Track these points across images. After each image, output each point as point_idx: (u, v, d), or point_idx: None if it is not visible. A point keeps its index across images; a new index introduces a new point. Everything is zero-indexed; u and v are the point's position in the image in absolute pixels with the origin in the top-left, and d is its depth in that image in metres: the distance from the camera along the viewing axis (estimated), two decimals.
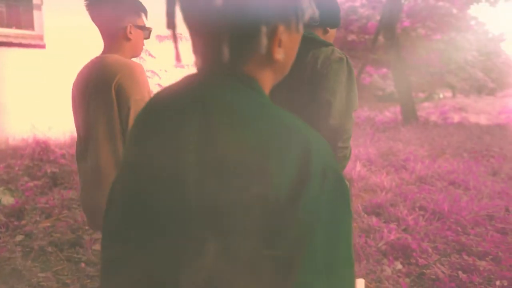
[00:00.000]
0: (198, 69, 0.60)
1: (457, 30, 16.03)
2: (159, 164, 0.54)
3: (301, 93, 1.55)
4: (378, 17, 12.01)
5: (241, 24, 0.52)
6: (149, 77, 4.30)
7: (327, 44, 1.56)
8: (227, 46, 0.53)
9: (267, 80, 0.59)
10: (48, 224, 3.13)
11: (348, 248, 0.49)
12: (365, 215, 3.13)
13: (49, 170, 4.29)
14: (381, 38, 9.06)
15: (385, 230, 2.77)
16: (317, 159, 0.48)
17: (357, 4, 15.40)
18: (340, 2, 9.36)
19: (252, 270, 0.47)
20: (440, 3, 14.24)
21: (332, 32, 1.68)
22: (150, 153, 0.56)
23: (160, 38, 4.36)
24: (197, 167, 0.50)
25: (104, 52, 1.48)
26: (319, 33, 1.62)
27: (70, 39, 6.43)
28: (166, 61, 4.76)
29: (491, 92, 29.73)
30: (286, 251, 0.46)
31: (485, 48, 26.67)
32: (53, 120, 6.16)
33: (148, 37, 1.55)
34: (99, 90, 1.37)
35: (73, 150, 5.16)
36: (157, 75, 4.15)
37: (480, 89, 28.09)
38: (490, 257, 2.52)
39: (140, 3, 1.49)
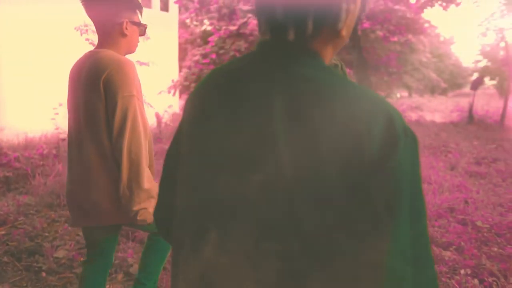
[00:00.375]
0: (261, 47, 0.65)
1: (413, 33, 16.81)
2: (248, 131, 0.58)
3: None
4: None
5: (326, 2, 0.58)
6: None
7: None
8: (306, 23, 0.58)
9: (329, 55, 0.64)
10: (3, 232, 2.91)
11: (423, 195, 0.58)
12: None
13: (1, 174, 4.00)
14: None
15: None
16: (398, 122, 0.55)
17: None
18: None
19: (349, 224, 0.53)
20: (397, 7, 14.88)
21: None
22: (234, 121, 0.61)
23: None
24: (288, 133, 0.55)
25: (98, 46, 1.49)
26: None
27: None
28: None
29: (443, 92, 31.47)
30: (382, 202, 0.52)
31: (437, 50, 28.25)
32: (5, 121, 5.76)
33: (143, 34, 1.56)
34: (89, 83, 1.37)
35: (28, 153, 4.84)
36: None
37: (434, 89, 29.64)
38: (454, 247, 2.64)
39: (136, 0, 1.52)
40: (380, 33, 15.06)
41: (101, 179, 1.41)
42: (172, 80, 10.13)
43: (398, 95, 28.00)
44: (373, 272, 0.52)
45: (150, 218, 1.42)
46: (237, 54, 9.92)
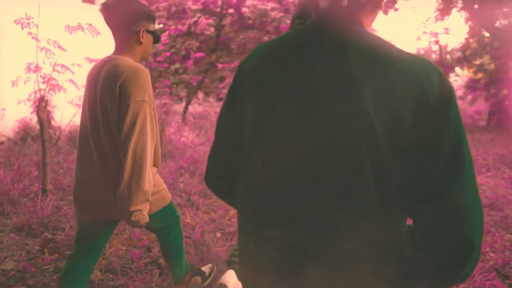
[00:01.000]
0: (311, 21, 0.77)
1: None
2: (330, 83, 0.68)
3: None
4: (288, 21, 12.58)
5: None
6: (59, 72, 3.85)
7: None
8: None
9: (368, 25, 0.76)
10: None
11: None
12: None
13: None
14: None
15: None
16: (446, 76, 0.68)
17: (268, 7, 15.99)
18: (251, 4, 9.52)
19: (379, 169, 0.64)
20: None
21: None
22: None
23: (70, 29, 3.90)
24: (369, 87, 0.65)
25: (115, 53, 1.62)
26: None
27: None
28: (78, 55, 4.30)
29: None
30: (442, 159, 0.63)
31: None
32: None
33: (157, 42, 1.69)
34: (107, 87, 1.49)
35: None
36: (69, 69, 3.72)
37: None
38: None
39: (151, 10, 1.67)
40: None
41: (112, 174, 1.50)
42: None
43: None
44: (464, 205, 0.63)
45: (144, 220, 1.48)
46: (192, 53, 9.75)
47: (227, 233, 2.87)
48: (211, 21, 13.13)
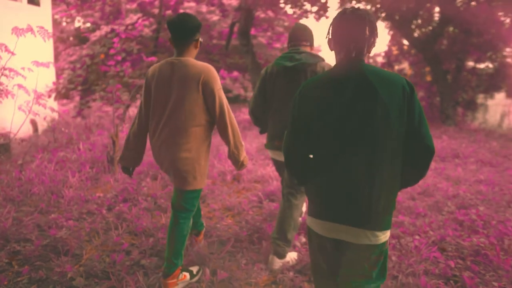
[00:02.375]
0: (340, 62, 1.49)
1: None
2: (337, 102, 1.43)
3: None
4: (224, 24, 12.80)
5: (368, 32, 1.43)
6: (7, 76, 3.63)
7: (322, 59, 2.53)
8: (361, 46, 1.44)
9: (366, 58, 1.48)
10: None
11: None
12: (265, 202, 3.49)
13: None
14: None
15: None
16: (406, 79, 1.42)
17: (204, 10, 16.07)
18: (188, 6, 9.59)
19: (387, 135, 1.38)
20: (277, 16, 16.25)
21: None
22: (329, 98, 1.45)
23: (18, 31, 3.71)
24: (368, 98, 1.39)
25: (178, 55, 2.15)
26: (308, 49, 2.61)
27: None
28: (26, 58, 4.08)
29: None
30: (414, 113, 1.40)
31: None
32: None
33: (199, 47, 2.22)
34: (186, 82, 2.08)
35: None
36: (21, 75, 3.53)
37: None
38: None
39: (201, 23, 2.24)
40: (262, 40, 16.22)
41: (191, 145, 2.13)
42: (54, 83, 9.08)
43: None
44: (426, 130, 1.40)
45: (246, 162, 2.29)
46: (144, 55, 9.42)
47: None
48: (147, 22, 12.85)
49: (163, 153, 2.16)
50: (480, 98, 13.91)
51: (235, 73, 17.81)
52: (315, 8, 11.60)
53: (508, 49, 11.94)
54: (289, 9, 12.49)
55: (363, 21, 1.42)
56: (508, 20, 10.56)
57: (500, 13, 10.45)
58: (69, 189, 3.89)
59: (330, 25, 1.48)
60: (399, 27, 11.00)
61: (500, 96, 14.01)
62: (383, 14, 10.75)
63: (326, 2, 11.48)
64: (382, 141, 1.38)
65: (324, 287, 1.60)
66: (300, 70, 2.46)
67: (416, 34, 11.60)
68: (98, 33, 15.98)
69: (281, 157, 2.55)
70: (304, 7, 11.63)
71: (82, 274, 2.40)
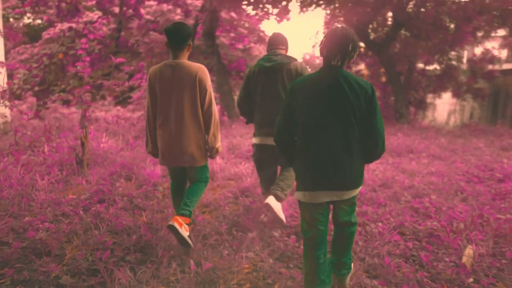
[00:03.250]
0: (324, 67, 2.00)
1: (253, 41, 18.79)
2: (316, 98, 1.97)
3: (288, 84, 2.94)
4: (187, 23, 12.78)
5: (351, 47, 1.96)
6: None
7: (294, 59, 3.05)
8: (344, 57, 1.96)
9: (345, 66, 2.01)
10: None
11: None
12: (240, 198, 3.67)
13: None
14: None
15: (259, 207, 3.38)
16: (371, 85, 1.98)
17: (164, 8, 15.89)
18: (149, 5, 9.53)
19: (354, 127, 1.94)
20: (240, 17, 16.44)
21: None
22: (312, 93, 1.98)
23: None
24: (349, 93, 1.92)
25: (175, 58, 2.62)
26: (284, 52, 3.14)
27: None
28: None
29: None
30: (372, 110, 1.95)
31: None
32: None
33: (190, 50, 2.69)
34: (186, 81, 2.57)
35: None
36: None
37: None
38: None
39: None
40: (225, 40, 16.35)
41: (195, 133, 2.65)
42: (8, 83, 8.63)
43: None
44: (379, 128, 1.97)
45: (220, 150, 2.76)
46: (106, 55, 9.19)
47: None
48: (105, 21, 12.54)
49: (173, 142, 2.63)
50: (429, 98, 14.96)
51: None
52: (276, 10, 11.93)
53: (453, 53, 12.97)
54: (251, 11, 12.73)
55: (348, 39, 1.93)
56: (452, 26, 11.50)
57: (446, 19, 11.35)
58: (40, 192, 3.84)
59: (324, 37, 2.01)
60: (357, 30, 11.59)
61: (447, 96, 15.16)
62: (341, 18, 11.28)
63: (287, 5, 11.84)
64: (349, 128, 1.92)
65: (312, 256, 2.05)
66: (277, 69, 2.98)
67: (372, 37, 12.27)
68: (51, 31, 15.31)
69: (267, 142, 3.01)
70: (265, 9, 11.91)
71: (67, 273, 2.45)
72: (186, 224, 2.55)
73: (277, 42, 3.12)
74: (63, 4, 13.01)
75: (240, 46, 17.43)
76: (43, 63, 9.00)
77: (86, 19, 14.43)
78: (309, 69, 3.14)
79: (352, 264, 2.32)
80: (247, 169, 4.62)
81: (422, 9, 11.00)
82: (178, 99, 2.58)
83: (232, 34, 16.83)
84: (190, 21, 12.74)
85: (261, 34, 21.41)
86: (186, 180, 2.89)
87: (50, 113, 11.82)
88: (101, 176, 4.32)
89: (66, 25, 13.17)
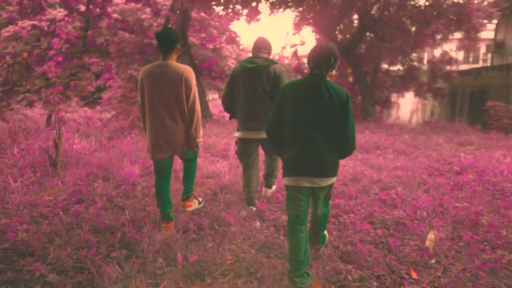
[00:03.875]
0: (310, 74, 2.39)
1: (223, 42, 18.86)
2: (301, 100, 2.33)
3: (269, 84, 3.34)
4: (154, 23, 12.68)
5: (333, 60, 2.35)
6: None
7: (275, 61, 3.39)
8: (327, 67, 2.35)
9: (327, 75, 2.41)
10: None
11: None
12: (220, 194, 3.79)
13: None
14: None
15: (239, 203, 3.53)
16: (346, 93, 2.34)
17: (132, 7, 15.64)
18: (115, 2, 9.42)
19: (330, 125, 2.31)
20: (208, 17, 16.47)
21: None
22: (298, 96, 2.35)
23: None
24: (327, 98, 2.29)
25: (164, 60, 2.91)
26: (266, 55, 3.48)
27: None
28: None
29: None
30: (345, 114, 2.29)
31: (239, 57, 32.40)
32: None
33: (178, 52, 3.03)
34: (173, 80, 2.85)
35: None
36: None
37: None
38: None
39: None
40: (195, 40, 16.32)
41: (182, 127, 2.97)
42: None
43: (210, 97, 30.61)
44: (350, 129, 2.32)
45: (200, 145, 3.11)
46: (85, 56, 8.94)
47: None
48: (70, 19, 12.19)
49: (165, 133, 2.93)
50: (393, 97, 15.67)
51: None
52: (245, 11, 12.08)
53: (414, 54, 13.67)
54: (220, 11, 12.81)
55: (331, 53, 2.33)
56: (414, 29, 12.13)
57: (407, 22, 11.96)
58: (14, 194, 3.78)
59: (311, 50, 2.39)
60: (325, 33, 11.97)
61: (409, 95, 15.94)
62: (311, 20, 11.60)
63: (256, 6, 12.03)
64: (326, 126, 2.29)
65: (294, 229, 2.38)
66: (258, 70, 3.32)
67: (339, 39, 12.69)
68: (11, 28, 14.65)
69: (250, 136, 3.42)
70: (236, 10, 12.03)
71: (52, 271, 2.48)
72: (191, 200, 3.34)
73: (260, 46, 3.47)
74: (26, 1, 12.53)
75: (211, 46, 17.46)
76: (6, 63, 8.66)
77: (49, 17, 13.94)
78: (282, 69, 3.38)
79: (325, 248, 2.63)
80: (224, 167, 4.74)
81: (386, 13, 11.53)
82: (166, 96, 2.88)
83: (203, 34, 16.83)
84: (160, 21, 12.65)
85: (232, 34, 21.51)
86: (170, 176, 3.16)
87: (12, 114, 11.37)
88: (77, 177, 4.30)
89: (27, 23, 12.68)
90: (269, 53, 3.53)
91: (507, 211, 3.62)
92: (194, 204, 3.36)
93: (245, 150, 3.49)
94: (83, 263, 2.58)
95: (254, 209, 3.45)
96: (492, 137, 8.63)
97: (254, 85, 3.33)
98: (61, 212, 3.39)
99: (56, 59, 4.79)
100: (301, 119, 2.32)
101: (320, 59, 2.33)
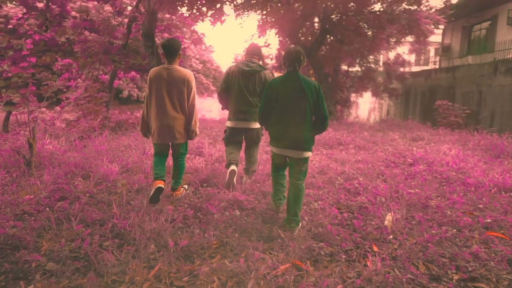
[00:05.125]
0: (288, 72, 3.26)
1: (188, 42, 18.90)
2: (284, 92, 3.20)
3: (259, 86, 4.16)
4: (114, 21, 12.56)
5: (302, 57, 3.21)
6: None
7: (266, 68, 4.21)
8: (299, 64, 3.21)
9: (300, 70, 3.32)
10: None
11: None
12: (200, 188, 4.05)
13: None
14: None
15: (221, 193, 3.82)
16: (317, 83, 3.20)
17: (90, 5, 15.31)
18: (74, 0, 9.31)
19: (308, 109, 3.14)
20: (173, 17, 16.48)
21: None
22: (281, 89, 3.21)
23: None
24: (305, 89, 3.14)
25: (170, 63, 3.64)
26: (257, 61, 4.07)
27: None
28: None
29: (212, 94, 36.17)
30: (319, 99, 3.15)
31: (202, 57, 32.35)
32: None
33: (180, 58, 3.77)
34: (177, 81, 3.60)
35: None
36: None
37: (204, 91, 33.59)
38: None
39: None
40: (158, 41, 16.28)
41: (183, 119, 3.69)
42: None
43: None
44: (325, 111, 3.16)
45: (197, 133, 3.84)
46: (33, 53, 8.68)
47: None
48: (26, 16, 11.79)
49: (168, 124, 3.62)
50: (352, 97, 16.52)
51: (132, 73, 17.41)
52: (210, 12, 12.28)
53: (371, 57, 14.55)
54: (185, 11, 12.90)
55: (299, 53, 3.17)
56: (370, 33, 12.95)
57: (364, 27, 12.74)
58: None
59: (284, 53, 3.21)
60: (289, 35, 12.46)
61: (367, 95, 16.89)
62: (275, 24, 12.02)
63: (221, 8, 12.27)
64: (304, 109, 3.09)
65: (276, 175, 3.51)
66: (252, 74, 4.18)
67: (302, 41, 13.24)
68: None
69: (239, 125, 4.26)
70: (200, 10, 12.19)
71: (49, 261, 2.64)
72: (180, 189, 3.94)
73: (253, 53, 4.30)
74: None
75: None
76: None
77: (1, 13, 13.34)
78: (271, 75, 4.22)
79: (300, 224, 3.27)
80: (201, 164, 4.99)
81: (344, 17, 12.23)
82: (171, 93, 3.60)
83: (166, 35, 16.81)
84: (123, 20, 12.52)
85: (196, 35, 21.52)
86: (167, 155, 3.88)
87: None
88: (55, 176, 4.37)
89: None
90: (260, 58, 4.32)
91: (451, 195, 4.19)
92: (182, 192, 3.95)
93: (233, 136, 4.33)
94: (77, 252, 2.76)
95: (235, 168, 4.10)
96: (440, 133, 9.50)
97: (247, 85, 4.16)
98: (47, 209, 3.50)
99: (30, 59, 4.75)
100: (285, 106, 3.13)
101: (293, 59, 3.14)
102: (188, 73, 3.63)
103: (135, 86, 26.05)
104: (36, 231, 3.10)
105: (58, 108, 13.21)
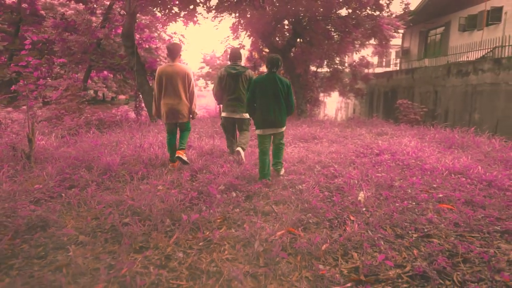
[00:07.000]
0: (268, 72, 4.66)
1: (161, 42, 19.08)
2: (265, 87, 4.58)
3: (246, 83, 5.52)
4: (90, 21, 12.66)
5: (280, 62, 4.66)
6: None
7: (248, 68, 5.62)
8: (277, 67, 4.64)
9: (278, 71, 4.81)
10: None
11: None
12: (199, 175, 4.54)
13: None
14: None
15: (218, 178, 4.33)
16: (289, 81, 4.66)
17: (55, 2, 15.23)
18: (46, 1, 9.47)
19: (282, 99, 4.63)
20: (147, 18, 16.65)
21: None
22: (264, 84, 4.60)
23: None
24: (279, 85, 4.59)
25: (173, 61, 5.06)
26: (241, 63, 5.64)
27: None
28: None
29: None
30: (289, 93, 4.64)
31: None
32: None
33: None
34: (181, 75, 5.01)
35: None
36: None
37: None
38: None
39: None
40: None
41: (186, 103, 5.11)
42: None
43: None
44: (292, 101, 4.69)
45: (197, 113, 5.36)
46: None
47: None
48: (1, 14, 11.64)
49: (174, 108, 4.95)
50: (321, 96, 17.43)
51: (105, 73, 17.38)
52: (183, 13, 12.62)
53: (338, 58, 15.48)
54: (158, 12, 13.16)
55: (278, 59, 4.57)
56: (337, 36, 13.84)
57: (332, 30, 13.60)
58: (2, 185, 4.10)
59: (266, 59, 4.57)
60: (262, 38, 13.07)
61: (335, 95, 17.86)
62: (248, 26, 12.58)
63: (194, 9, 12.66)
64: (280, 100, 4.53)
65: (263, 148, 4.69)
66: (239, 75, 5.45)
67: (275, 44, 13.90)
68: None
69: (232, 116, 5.54)
70: (173, 11, 12.50)
71: (80, 234, 3.06)
72: (183, 153, 4.99)
73: (236, 57, 5.58)
74: None
75: (146, 46, 17.61)
76: None
77: None
78: (252, 73, 5.15)
79: (283, 169, 4.85)
80: (193, 155, 5.48)
81: (313, 22, 13.02)
82: (175, 84, 4.92)
83: (137, 35, 16.95)
84: (97, 20, 12.62)
85: (168, 36, 21.67)
86: (176, 133, 5.19)
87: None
88: (60, 168, 4.69)
89: None
90: (241, 60, 5.63)
91: (411, 178, 4.95)
92: (184, 156, 4.96)
93: (227, 124, 5.70)
94: (101, 228, 3.19)
95: (240, 149, 5.27)
96: (401, 128, 10.49)
97: (236, 84, 5.45)
98: (63, 195, 3.87)
99: (28, 59, 4.96)
100: (266, 97, 4.47)
101: (273, 63, 4.53)
102: (187, 68, 5.02)
103: (104, 85, 25.71)
104: (57, 213, 3.48)
105: (35, 108, 13.08)
